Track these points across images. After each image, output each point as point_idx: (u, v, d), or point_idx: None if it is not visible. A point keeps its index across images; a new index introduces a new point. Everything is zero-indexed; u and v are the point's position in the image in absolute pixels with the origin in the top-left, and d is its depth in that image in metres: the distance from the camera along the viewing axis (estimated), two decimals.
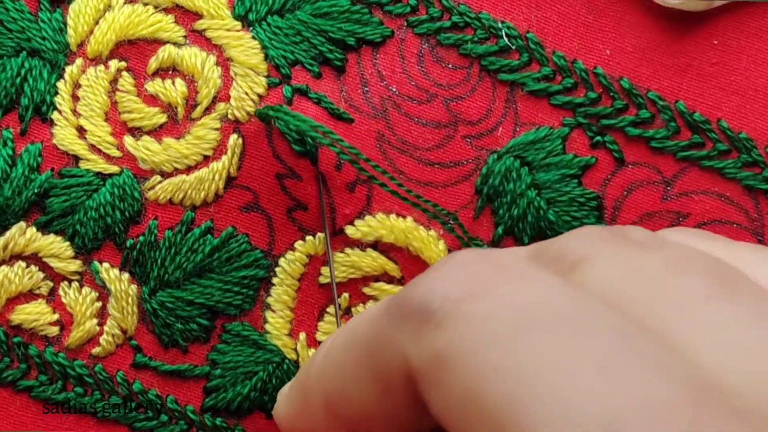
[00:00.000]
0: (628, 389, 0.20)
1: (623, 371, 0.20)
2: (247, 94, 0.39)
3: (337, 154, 0.37)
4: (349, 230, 0.39)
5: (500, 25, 0.39)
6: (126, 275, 0.38)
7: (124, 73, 0.39)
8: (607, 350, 0.20)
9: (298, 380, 0.30)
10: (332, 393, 0.27)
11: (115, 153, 0.39)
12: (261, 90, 0.39)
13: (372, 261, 0.39)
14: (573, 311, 0.21)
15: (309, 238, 0.39)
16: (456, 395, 0.21)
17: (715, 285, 0.23)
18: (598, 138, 0.39)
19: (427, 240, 0.38)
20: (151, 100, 0.39)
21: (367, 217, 0.39)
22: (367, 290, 0.39)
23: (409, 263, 0.38)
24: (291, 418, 0.30)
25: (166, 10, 0.39)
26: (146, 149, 0.38)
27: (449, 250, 0.39)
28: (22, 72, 0.38)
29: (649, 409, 0.19)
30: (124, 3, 0.39)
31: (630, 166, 0.39)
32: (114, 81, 0.39)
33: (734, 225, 0.38)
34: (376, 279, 0.39)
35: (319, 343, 0.39)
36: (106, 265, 0.38)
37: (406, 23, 0.39)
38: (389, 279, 0.39)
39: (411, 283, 0.24)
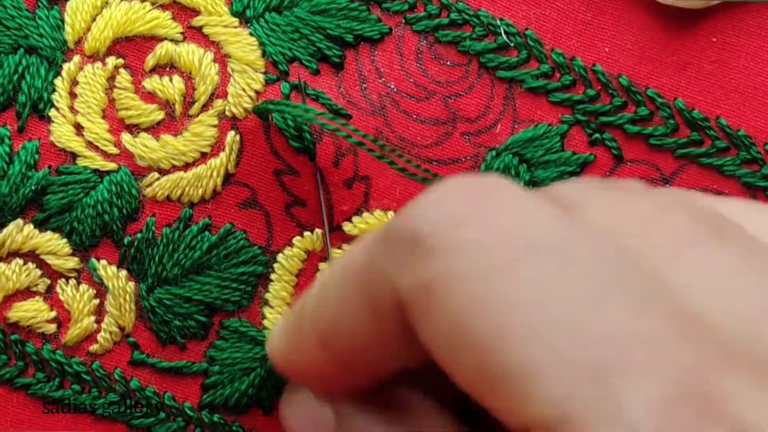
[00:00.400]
0: (619, 322, 0.19)
1: (615, 304, 0.20)
2: (244, 90, 0.39)
3: (342, 140, 0.37)
4: (347, 227, 0.39)
5: (499, 23, 0.39)
6: (124, 272, 0.38)
7: (122, 70, 0.39)
8: (600, 282, 0.20)
9: (293, 312, 0.29)
10: (325, 325, 0.27)
11: (113, 150, 0.38)
12: (259, 86, 0.39)
13: None
14: (566, 241, 0.21)
15: (307, 234, 0.39)
16: (444, 325, 0.21)
17: (706, 229, 0.22)
18: (597, 135, 0.39)
19: None
20: (149, 97, 0.39)
21: (365, 214, 0.39)
22: None
23: None
24: (283, 350, 0.30)
25: (164, 7, 0.39)
26: (144, 146, 0.38)
27: None
28: (20, 69, 0.38)
29: (638, 342, 0.19)
30: (121, 0, 0.39)
31: (629, 164, 0.39)
32: (111, 78, 0.39)
33: None
34: None
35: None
36: (103, 262, 0.38)
37: (404, 20, 0.39)
38: None
39: (403, 209, 0.24)
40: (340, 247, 0.39)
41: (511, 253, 0.21)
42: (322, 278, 0.28)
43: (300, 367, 0.29)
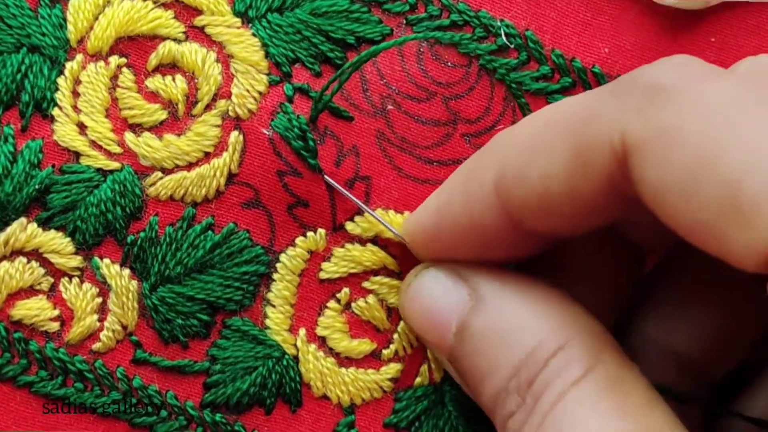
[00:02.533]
0: None
1: None
2: (248, 91, 0.39)
3: (344, 141, 0.37)
4: (349, 226, 0.39)
5: (499, 23, 0.39)
6: (127, 271, 0.38)
7: (125, 70, 0.39)
8: None
9: (463, 167, 0.31)
10: (511, 170, 0.27)
11: (116, 149, 0.39)
12: (262, 87, 0.39)
13: (372, 255, 0.39)
14: None
15: (310, 234, 0.39)
16: (681, 167, 0.22)
17: None
18: None
19: None
20: (152, 96, 0.39)
21: (367, 213, 0.39)
22: (366, 284, 0.39)
23: (408, 257, 0.39)
24: (437, 213, 0.30)
25: (166, 6, 0.39)
26: (147, 146, 0.38)
27: None
28: (23, 68, 0.38)
29: None
30: None
31: None
32: (114, 77, 0.39)
33: None
34: (376, 273, 0.39)
35: (320, 338, 0.39)
36: (106, 260, 0.38)
37: (405, 21, 0.40)
38: (388, 273, 0.39)
39: (633, 72, 0.26)
40: (342, 246, 0.39)
41: (753, 100, 0.22)
42: (507, 132, 0.29)
43: (456, 228, 0.29)
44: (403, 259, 0.39)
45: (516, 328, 0.28)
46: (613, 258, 0.31)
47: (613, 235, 0.32)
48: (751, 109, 0.22)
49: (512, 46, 0.39)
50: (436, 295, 0.31)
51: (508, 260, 0.31)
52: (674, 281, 0.32)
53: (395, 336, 0.39)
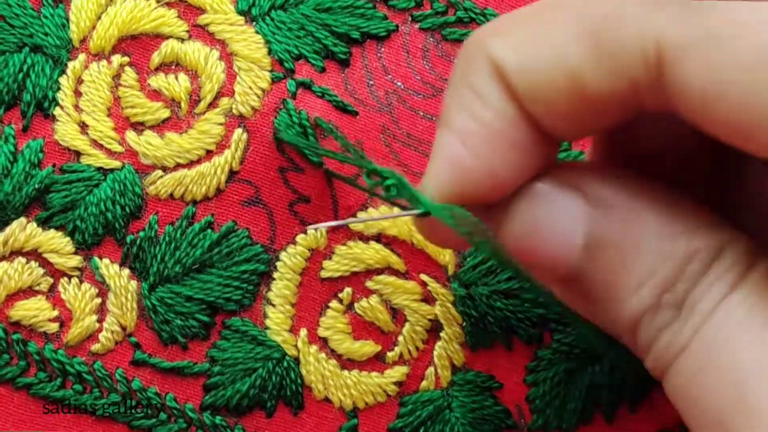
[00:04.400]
0: None
1: None
2: (251, 88, 0.38)
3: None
4: (352, 224, 0.38)
5: None
6: (126, 271, 0.38)
7: (127, 68, 0.39)
8: None
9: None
10: (516, 64, 0.25)
11: (117, 148, 0.38)
12: (265, 85, 0.38)
13: (375, 253, 0.38)
14: None
15: (311, 231, 0.38)
16: (741, 66, 0.21)
17: None
18: None
19: None
20: (154, 95, 0.39)
21: (370, 209, 0.38)
22: (370, 284, 0.38)
23: (413, 256, 0.38)
24: (451, 144, 0.27)
25: (169, 5, 0.39)
26: (148, 144, 0.38)
27: None
28: (25, 68, 0.38)
29: None
30: None
31: None
32: (117, 76, 0.39)
33: None
34: (379, 272, 0.38)
35: (321, 339, 0.38)
36: (106, 260, 0.38)
37: (410, 18, 0.39)
38: (392, 272, 0.38)
39: None
40: (344, 244, 0.38)
41: None
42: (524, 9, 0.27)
43: (476, 151, 0.26)
44: (408, 257, 0.38)
45: (661, 236, 0.26)
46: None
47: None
48: None
49: None
50: (550, 209, 0.27)
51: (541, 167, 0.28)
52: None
53: (400, 338, 0.38)
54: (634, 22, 0.23)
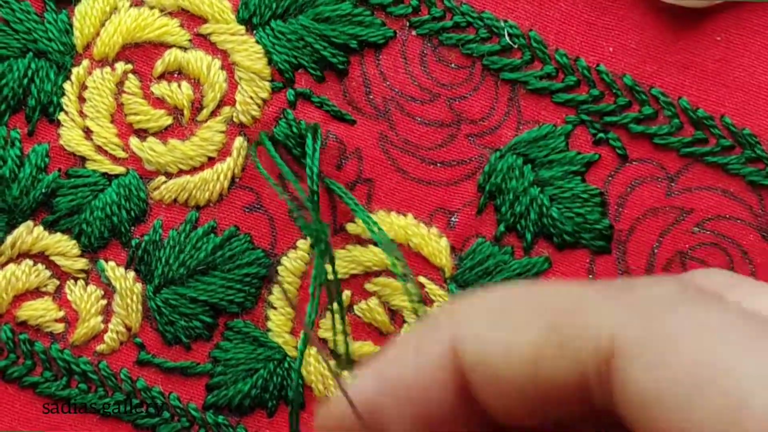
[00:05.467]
0: None
1: None
2: (252, 98, 0.39)
3: (346, 144, 0.37)
4: (350, 227, 0.39)
5: (502, 24, 0.39)
6: (131, 273, 0.39)
7: (131, 76, 0.39)
8: None
9: (412, 331, 0.27)
10: (471, 338, 0.25)
11: (121, 154, 0.39)
12: (265, 95, 0.39)
13: (373, 256, 0.39)
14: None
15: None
16: (681, 373, 0.21)
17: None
18: (601, 135, 0.39)
19: (427, 237, 0.38)
20: (157, 102, 0.39)
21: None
22: (369, 286, 0.39)
23: (410, 260, 0.38)
24: (375, 377, 0.25)
25: (172, 14, 0.40)
26: (152, 150, 0.39)
27: (451, 247, 0.39)
28: (29, 73, 0.39)
29: None
30: (130, 6, 0.39)
31: (633, 163, 0.38)
32: (120, 83, 0.39)
33: (738, 221, 0.38)
34: (378, 275, 0.39)
35: (321, 340, 0.39)
36: (111, 263, 0.39)
37: (408, 24, 0.40)
38: (391, 275, 0.39)
39: (629, 280, 0.25)
40: (343, 248, 0.39)
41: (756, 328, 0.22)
42: (487, 294, 0.26)
43: (400, 397, 0.25)
44: (406, 260, 0.39)
45: None
46: None
47: None
48: (754, 333, 0.22)
49: (516, 46, 0.39)
50: None
51: None
52: None
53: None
54: (594, 312, 0.23)
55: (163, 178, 0.39)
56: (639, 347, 0.22)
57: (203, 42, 0.40)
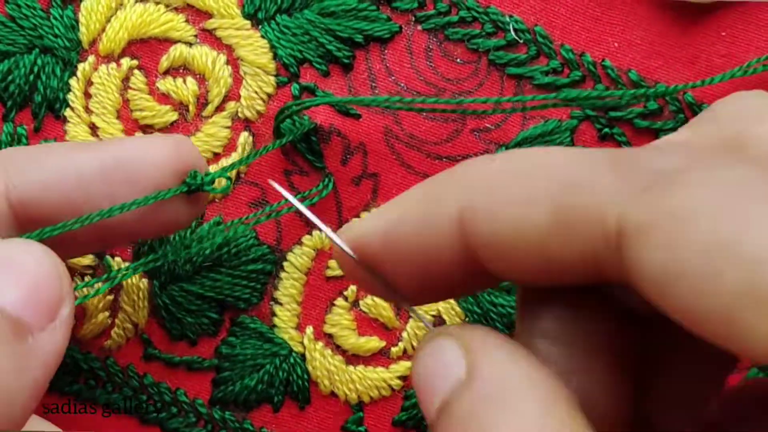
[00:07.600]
0: None
1: None
2: (257, 93, 0.39)
3: (350, 139, 0.37)
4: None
5: (508, 19, 0.39)
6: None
7: (136, 71, 0.39)
8: None
9: (423, 186, 0.27)
10: (482, 204, 0.25)
11: None
12: (270, 89, 0.39)
13: None
14: None
15: (316, 232, 0.39)
16: (693, 251, 0.21)
17: None
18: (607, 130, 0.39)
19: None
20: (163, 98, 0.40)
21: (373, 210, 0.39)
22: None
23: None
24: (382, 228, 0.26)
25: (177, 10, 0.40)
26: None
27: None
28: (35, 69, 0.39)
29: None
30: (136, 2, 0.39)
31: None
32: (126, 79, 0.39)
33: None
34: None
35: (327, 335, 0.39)
36: (118, 259, 0.39)
37: (413, 19, 0.40)
38: None
39: (635, 151, 0.24)
40: None
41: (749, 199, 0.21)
42: (484, 164, 0.26)
43: (404, 252, 0.26)
44: None
45: (496, 424, 0.26)
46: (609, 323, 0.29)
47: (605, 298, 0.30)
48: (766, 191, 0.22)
49: (521, 41, 0.39)
50: (431, 364, 0.28)
51: (452, 293, 0.29)
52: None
53: (404, 334, 0.39)
54: (598, 195, 0.23)
55: None
56: (647, 228, 0.22)
57: (208, 37, 0.40)
